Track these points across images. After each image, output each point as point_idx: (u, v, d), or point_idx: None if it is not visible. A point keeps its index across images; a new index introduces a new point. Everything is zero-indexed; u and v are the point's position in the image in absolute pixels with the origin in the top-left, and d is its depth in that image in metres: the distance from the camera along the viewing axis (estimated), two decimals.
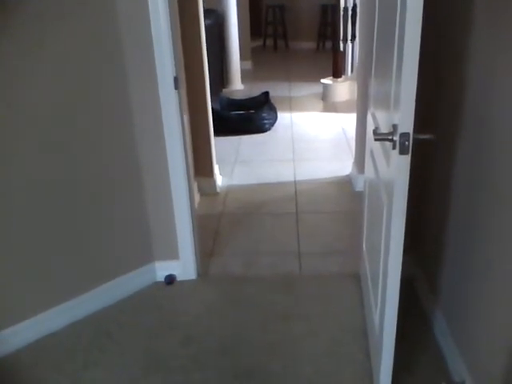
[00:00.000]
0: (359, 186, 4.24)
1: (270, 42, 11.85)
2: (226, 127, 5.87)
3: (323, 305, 3.00)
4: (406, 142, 1.80)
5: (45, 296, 2.82)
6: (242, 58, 8.70)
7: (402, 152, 1.81)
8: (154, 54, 2.76)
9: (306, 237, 3.75)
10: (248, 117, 6.18)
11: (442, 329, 2.59)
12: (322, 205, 4.26)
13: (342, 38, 7.26)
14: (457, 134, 2.36)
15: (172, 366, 2.59)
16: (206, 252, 3.53)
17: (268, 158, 5.36)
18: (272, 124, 6.25)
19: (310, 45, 11.57)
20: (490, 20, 2.03)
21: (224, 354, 2.66)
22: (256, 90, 7.42)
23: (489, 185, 2.03)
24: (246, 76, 8.73)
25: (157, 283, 3.25)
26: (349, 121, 6.10)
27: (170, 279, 3.23)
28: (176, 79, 2.84)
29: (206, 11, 4.39)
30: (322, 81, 7.47)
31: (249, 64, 9.66)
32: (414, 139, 1.80)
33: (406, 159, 1.82)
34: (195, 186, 4.11)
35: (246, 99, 6.86)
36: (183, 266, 3.25)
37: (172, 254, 3.23)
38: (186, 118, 3.11)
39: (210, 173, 4.50)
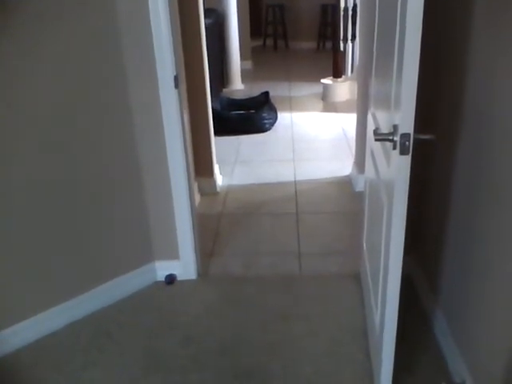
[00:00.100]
0: (359, 186, 4.24)
1: (270, 41, 11.86)
2: (226, 127, 5.87)
3: (323, 305, 3.00)
4: (407, 143, 1.80)
5: (45, 296, 2.82)
6: (242, 57, 8.71)
7: (403, 152, 1.81)
8: (154, 54, 2.76)
9: (305, 237, 3.75)
10: (248, 117, 6.18)
11: (443, 329, 2.59)
12: (322, 205, 4.25)
13: (342, 37, 7.26)
14: (457, 135, 2.36)
15: (172, 366, 2.59)
16: (206, 252, 3.53)
17: (268, 158, 5.36)
18: (272, 124, 6.25)
19: (310, 45, 11.57)
20: (489, 21, 2.03)
21: (224, 354, 2.66)
22: (256, 90, 7.41)
23: (489, 185, 2.03)
24: (246, 76, 8.73)
25: (157, 283, 3.25)
26: (349, 121, 6.09)
27: (171, 279, 3.23)
28: (176, 78, 2.84)
29: (206, 11, 4.39)
30: (322, 81, 7.47)
31: (249, 64, 9.67)
32: (414, 139, 1.80)
33: (407, 159, 1.82)
34: (195, 185, 4.11)
35: (246, 99, 6.86)
36: (183, 265, 3.25)
37: (172, 253, 3.23)
38: (186, 117, 3.11)
39: (210, 173, 4.50)
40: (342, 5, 7.15)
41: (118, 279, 3.09)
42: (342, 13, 7.11)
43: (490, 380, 2.04)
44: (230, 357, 2.64)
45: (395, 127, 1.87)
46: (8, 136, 2.48)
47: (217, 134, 4.67)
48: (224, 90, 8.10)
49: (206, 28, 4.25)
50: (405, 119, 1.78)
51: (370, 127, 2.69)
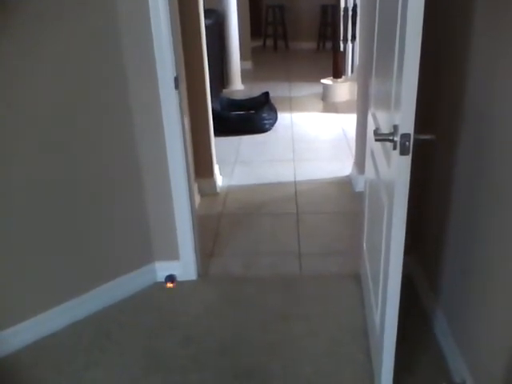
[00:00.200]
0: (359, 186, 4.24)
1: (270, 42, 11.86)
2: (226, 127, 5.87)
3: (323, 305, 3.00)
4: (407, 143, 1.80)
5: (45, 296, 2.81)
6: (242, 58, 8.71)
7: (403, 152, 1.81)
8: (154, 54, 2.76)
9: (306, 237, 3.74)
10: (248, 117, 6.18)
11: (443, 328, 2.59)
12: (322, 205, 4.25)
13: (342, 38, 7.26)
14: (457, 135, 2.36)
15: (172, 366, 2.59)
16: (206, 252, 3.53)
17: (268, 158, 5.36)
18: (272, 124, 6.25)
19: (310, 45, 11.58)
20: (490, 21, 2.03)
21: (224, 354, 2.66)
22: (256, 91, 7.41)
23: (489, 185, 2.03)
24: (246, 76, 8.73)
25: (157, 283, 3.25)
26: (349, 121, 6.09)
27: (171, 279, 3.23)
28: (176, 79, 2.84)
29: (206, 11, 4.38)
30: (322, 81, 7.48)
31: (249, 64, 9.67)
32: (414, 140, 1.80)
33: (407, 160, 1.82)
34: (195, 186, 4.11)
35: (246, 99, 6.86)
36: (183, 266, 3.25)
37: (172, 254, 3.23)
38: (186, 118, 3.11)
39: (210, 173, 4.50)
40: (342, 5, 7.15)
41: (119, 279, 3.08)
42: (342, 13, 7.11)
43: (490, 380, 2.04)
44: (230, 357, 2.64)
45: (395, 127, 1.87)
46: (8, 136, 2.48)
47: (217, 134, 4.68)
48: (224, 90, 8.10)
49: (206, 28, 4.25)
50: (405, 119, 1.78)
51: (370, 127, 2.68)
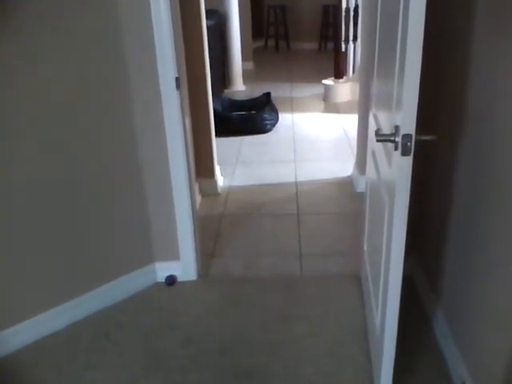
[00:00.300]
0: (360, 187, 4.23)
1: (271, 42, 11.87)
2: (227, 128, 5.87)
3: (324, 305, 2.99)
4: (408, 144, 1.79)
5: (45, 296, 2.81)
6: (244, 58, 8.71)
7: (404, 153, 1.81)
8: (155, 54, 2.76)
9: (306, 238, 3.74)
10: (249, 117, 6.18)
11: (443, 330, 2.58)
12: (323, 206, 4.25)
13: (343, 38, 7.26)
14: (458, 134, 2.36)
15: (172, 367, 2.58)
16: (206, 253, 3.52)
17: (269, 158, 5.36)
18: (273, 125, 6.24)
19: (311, 45, 11.57)
20: (491, 22, 2.03)
21: (224, 354, 2.66)
22: (257, 91, 7.41)
23: (491, 184, 2.03)
24: (247, 77, 8.73)
25: (157, 284, 3.25)
26: (350, 122, 6.09)
27: (171, 280, 3.23)
28: (177, 79, 2.84)
29: (207, 12, 4.39)
30: (324, 81, 7.47)
31: (250, 65, 9.67)
32: (416, 140, 1.79)
33: (408, 160, 1.82)
34: (196, 186, 4.10)
35: (248, 100, 6.87)
36: (184, 266, 3.25)
37: (173, 254, 3.22)
38: (187, 118, 3.11)
39: (211, 173, 4.50)
40: (344, 5, 7.16)
41: (119, 280, 3.08)
42: (343, 13, 7.11)
43: (490, 381, 2.03)
44: (231, 357, 2.63)
45: (397, 128, 1.87)
46: (8, 136, 2.48)
47: (218, 134, 4.67)
48: (225, 90, 8.10)
49: (207, 29, 4.25)
50: (406, 120, 1.77)
51: (372, 128, 2.68)
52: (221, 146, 4.91)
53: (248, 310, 2.99)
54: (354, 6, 6.92)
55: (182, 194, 3.07)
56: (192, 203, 3.12)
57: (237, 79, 8.38)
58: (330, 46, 10.04)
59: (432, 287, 2.80)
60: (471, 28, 2.20)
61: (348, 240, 3.66)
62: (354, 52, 7.41)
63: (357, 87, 5.64)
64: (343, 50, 7.33)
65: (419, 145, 1.82)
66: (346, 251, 3.54)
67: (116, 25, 2.68)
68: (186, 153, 3.00)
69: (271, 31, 11.72)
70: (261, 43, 11.86)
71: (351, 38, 7.28)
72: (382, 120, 2.36)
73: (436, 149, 2.66)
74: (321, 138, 5.93)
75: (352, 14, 6.96)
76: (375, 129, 2.45)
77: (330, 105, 7.27)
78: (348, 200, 4.33)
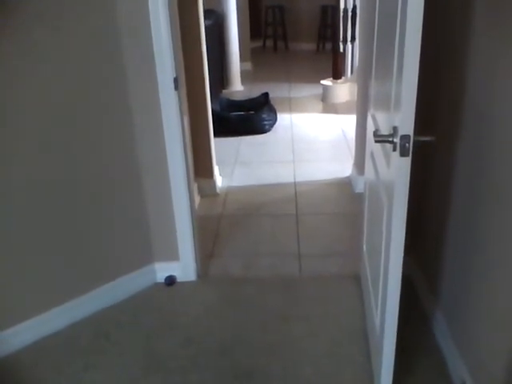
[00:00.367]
0: (359, 187, 4.24)
1: (269, 42, 11.87)
2: (225, 128, 5.87)
3: (323, 306, 3.00)
4: (407, 144, 1.79)
5: (45, 296, 2.81)
6: (242, 59, 8.71)
7: (403, 154, 1.81)
8: (153, 55, 2.76)
9: (305, 238, 3.74)
10: (248, 118, 6.18)
11: (443, 330, 2.59)
12: (322, 206, 4.25)
13: (341, 39, 7.27)
14: (457, 135, 2.36)
15: (172, 367, 2.59)
16: (205, 253, 3.52)
17: (268, 159, 5.36)
18: (272, 125, 6.25)
19: (309, 46, 11.57)
20: (490, 22, 2.03)
21: (223, 354, 2.66)
22: (256, 91, 7.41)
23: (489, 185, 2.03)
24: (245, 77, 8.73)
25: (157, 284, 3.25)
26: (349, 122, 6.09)
27: (170, 280, 3.23)
28: (176, 80, 2.84)
29: (205, 12, 4.38)
30: (322, 82, 7.48)
31: (249, 65, 9.67)
32: (414, 141, 1.80)
33: (407, 161, 1.82)
34: (195, 187, 4.10)
35: (246, 100, 6.87)
36: (183, 267, 3.25)
37: (172, 255, 3.23)
38: (185, 118, 3.11)
39: (209, 174, 4.50)
40: (342, 6, 7.16)
41: (118, 280, 3.08)
42: (341, 14, 7.12)
43: (490, 381, 2.04)
44: (230, 357, 2.64)
45: (395, 129, 1.87)
46: (8, 136, 2.48)
47: (216, 135, 4.67)
48: (224, 91, 8.10)
49: (205, 29, 4.25)
50: (405, 121, 1.78)
51: (370, 129, 2.68)
52: (219, 147, 4.92)
53: (247, 311, 2.99)
54: (352, 6, 6.92)
55: (180, 195, 3.07)
56: (191, 203, 3.12)
57: (235, 79, 8.38)
58: (328, 46, 10.03)
59: (431, 288, 2.80)
60: (470, 28, 2.20)
61: (347, 240, 3.67)
62: (352, 52, 7.40)
63: (355, 88, 5.64)
64: (341, 50, 7.33)
65: (418, 145, 1.83)
66: (344, 251, 3.54)
67: (115, 25, 2.68)
68: (185, 153, 3.00)
69: (269, 31, 11.72)
70: (259, 43, 11.86)
71: (349, 38, 7.29)
72: (381, 121, 2.36)
73: (435, 149, 2.67)
74: (319, 139, 5.94)
75: (350, 14, 6.97)
76: (373, 129, 2.46)
77: (328, 105, 7.27)
78: (347, 200, 4.33)
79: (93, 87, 2.70)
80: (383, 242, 2.13)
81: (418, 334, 2.72)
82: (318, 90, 7.63)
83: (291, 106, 7.27)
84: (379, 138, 2.04)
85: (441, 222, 2.62)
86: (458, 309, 2.39)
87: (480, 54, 2.12)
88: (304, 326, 2.84)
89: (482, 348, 2.13)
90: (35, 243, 2.70)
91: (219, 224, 4.01)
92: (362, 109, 4.18)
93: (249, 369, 2.56)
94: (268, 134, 6.14)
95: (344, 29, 7.22)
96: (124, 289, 3.11)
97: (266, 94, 6.72)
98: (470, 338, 2.26)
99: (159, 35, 2.73)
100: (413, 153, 1.80)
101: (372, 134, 2.36)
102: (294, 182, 4.72)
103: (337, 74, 7.35)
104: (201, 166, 4.37)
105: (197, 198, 4.21)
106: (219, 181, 4.67)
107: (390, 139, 1.91)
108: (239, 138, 5.96)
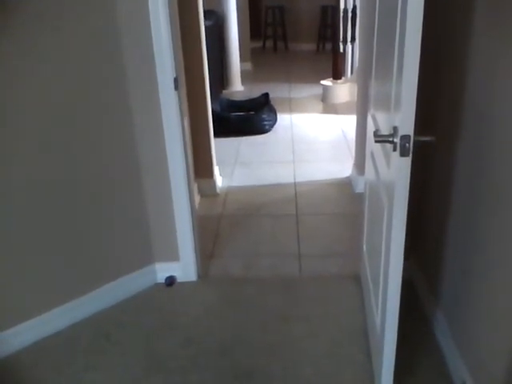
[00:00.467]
0: (359, 187, 4.24)
1: (269, 43, 11.87)
2: (225, 128, 5.87)
3: (323, 306, 2.99)
4: (407, 144, 1.79)
5: (45, 297, 2.81)
6: (242, 59, 8.71)
7: (403, 154, 1.81)
8: (153, 55, 2.76)
9: (305, 238, 3.74)
10: (248, 118, 6.18)
11: (443, 330, 2.58)
12: (322, 206, 4.25)
13: (341, 39, 7.27)
14: (457, 135, 2.36)
15: (172, 367, 2.58)
16: (206, 253, 3.52)
17: (268, 159, 5.36)
18: (272, 125, 6.25)
19: (309, 46, 11.58)
20: (490, 22, 2.03)
21: (224, 354, 2.66)
22: (256, 92, 7.42)
23: (489, 185, 2.03)
24: (245, 77, 8.73)
25: (157, 284, 3.25)
26: (349, 122, 6.09)
27: (171, 281, 3.23)
28: (176, 80, 2.84)
29: (205, 12, 4.38)
30: (322, 82, 7.48)
31: (249, 65, 9.67)
32: (414, 141, 1.80)
33: (407, 161, 1.82)
34: (195, 187, 4.10)
35: (246, 100, 6.87)
36: (183, 267, 3.25)
37: (172, 255, 3.22)
38: (186, 119, 3.11)
39: (209, 174, 4.50)
40: (342, 6, 7.16)
41: (119, 280, 3.08)
42: (341, 14, 7.12)
43: (490, 381, 2.04)
44: (230, 358, 2.63)
45: (395, 129, 1.87)
46: (8, 136, 2.48)
47: (217, 135, 4.67)
48: (224, 91, 8.10)
49: (205, 29, 4.25)
50: (405, 121, 1.78)
51: (370, 129, 2.68)
52: (219, 147, 4.92)
53: (247, 311, 2.99)
54: (352, 6, 6.92)
55: (180, 195, 3.07)
56: (191, 203, 3.12)
57: (235, 80, 8.38)
58: (328, 46, 10.04)
59: (431, 288, 2.80)
60: (470, 28, 2.20)
61: (347, 241, 3.67)
62: (352, 53, 7.40)
63: (355, 88, 5.64)
64: (341, 50, 7.33)
65: (418, 146, 1.82)
66: (344, 252, 3.54)
67: (115, 25, 2.68)
68: (185, 153, 3.00)
69: (269, 32, 11.72)
70: (259, 44, 11.86)
71: (349, 38, 7.29)
72: (381, 121, 2.36)
73: (435, 149, 2.67)
74: (319, 139, 5.94)
75: (350, 14, 6.97)
76: (374, 129, 2.46)
77: (328, 105, 7.27)
78: (347, 201, 4.33)
79: (93, 87, 2.69)
80: (383, 242, 2.13)
81: (419, 334, 2.71)
82: (318, 91, 7.63)
83: (291, 106, 7.27)
84: (379, 138, 2.04)
85: (441, 222, 2.62)
86: (459, 309, 2.39)
87: (480, 53, 2.12)
88: (304, 326, 2.84)
89: (482, 348, 2.13)
90: (35, 243, 2.70)
91: (219, 224, 4.01)
92: (362, 109, 4.18)
93: (249, 369, 2.56)
94: (268, 134, 6.14)
95: (344, 29, 7.22)
96: (124, 289, 3.11)
97: (266, 95, 6.72)
98: (470, 338, 2.25)
99: (159, 35, 2.72)
100: (413, 153, 1.80)
101: (372, 134, 2.36)
102: (294, 183, 4.72)
103: (337, 74, 7.35)
104: (201, 166, 4.37)
105: (197, 198, 4.21)
106: (219, 181, 4.67)
107: (390, 139, 1.91)
108: (239, 138, 5.96)
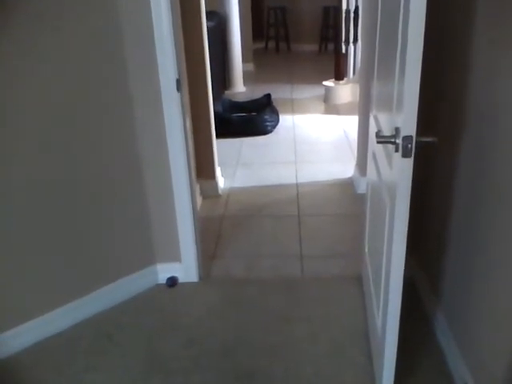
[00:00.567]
0: (361, 188, 4.23)
1: (271, 44, 11.88)
2: (227, 129, 5.87)
3: (325, 307, 2.99)
4: (409, 145, 1.79)
5: (45, 297, 2.81)
6: (244, 60, 8.71)
7: (405, 155, 1.80)
8: (155, 56, 2.75)
9: (307, 239, 3.73)
10: (250, 119, 6.18)
11: (444, 331, 2.58)
12: (324, 207, 4.24)
13: (344, 40, 7.26)
14: (459, 135, 2.35)
15: (173, 368, 2.58)
16: (207, 254, 3.52)
17: (270, 160, 5.36)
18: (274, 126, 6.24)
19: (312, 47, 11.59)
20: (491, 22, 2.02)
21: (225, 355, 2.65)
22: (258, 92, 7.41)
23: (491, 185, 2.02)
24: (248, 78, 8.73)
25: (158, 285, 3.24)
26: (351, 123, 6.10)
27: (172, 281, 3.22)
28: (178, 81, 2.83)
29: (207, 13, 4.38)
30: (324, 83, 7.48)
31: (251, 66, 9.67)
32: (416, 142, 1.79)
33: (409, 162, 1.81)
34: (197, 188, 4.10)
35: (248, 101, 6.87)
36: (185, 268, 3.24)
37: (174, 256, 3.22)
38: (188, 120, 3.10)
39: (211, 175, 4.50)
40: (344, 7, 7.16)
41: (120, 281, 3.07)
42: (343, 15, 7.11)
43: (491, 381, 2.03)
44: (232, 358, 2.63)
45: (397, 130, 1.86)
46: (8, 136, 2.48)
47: (219, 136, 4.66)
48: (226, 92, 8.10)
49: (207, 30, 4.24)
50: (407, 122, 1.77)
51: (372, 129, 2.68)
52: (221, 148, 4.92)
53: (249, 312, 2.98)
54: (354, 7, 6.91)
55: (182, 196, 3.06)
56: (193, 204, 3.11)
57: (237, 81, 8.38)
58: (331, 47, 10.05)
59: (433, 289, 2.79)
60: (472, 28, 2.19)
61: (349, 241, 3.66)
62: (355, 53, 7.40)
63: (357, 89, 5.63)
64: (343, 51, 7.34)
65: (420, 146, 1.82)
66: (346, 253, 3.53)
67: (116, 25, 2.67)
68: (187, 154, 2.99)
69: (271, 33, 11.73)
70: (261, 45, 11.87)
71: (351, 39, 7.28)
72: (383, 121, 2.35)
73: (436, 150, 2.66)
74: (321, 140, 5.93)
75: (352, 15, 6.95)
76: (376, 130, 2.45)
77: (330, 106, 7.27)
78: (349, 201, 4.32)
79: (93, 87, 2.69)
80: (385, 243, 2.12)
81: (420, 335, 2.71)
82: (320, 91, 7.63)
83: (293, 107, 7.26)
84: (381, 139, 2.03)
85: (442, 223, 2.61)
86: (460, 309, 2.38)
87: (481, 54, 2.11)
88: (306, 327, 2.83)
89: (483, 348, 2.12)
90: (35, 243, 2.69)
91: (221, 225, 4.01)
92: (364, 110, 4.17)
93: (251, 370, 2.55)
94: (270, 135, 6.14)
95: (346, 30, 7.22)
96: (126, 290, 3.10)
97: (268, 95, 6.72)
98: (471, 338, 2.25)
99: (161, 36, 2.72)
100: (415, 154, 1.80)
101: (374, 134, 2.35)
102: (296, 183, 4.71)
103: (339, 74, 7.35)
104: (203, 167, 4.36)
105: (199, 199, 4.21)
106: (221, 182, 4.67)
107: (392, 140, 1.90)
108: (241, 139, 5.96)
